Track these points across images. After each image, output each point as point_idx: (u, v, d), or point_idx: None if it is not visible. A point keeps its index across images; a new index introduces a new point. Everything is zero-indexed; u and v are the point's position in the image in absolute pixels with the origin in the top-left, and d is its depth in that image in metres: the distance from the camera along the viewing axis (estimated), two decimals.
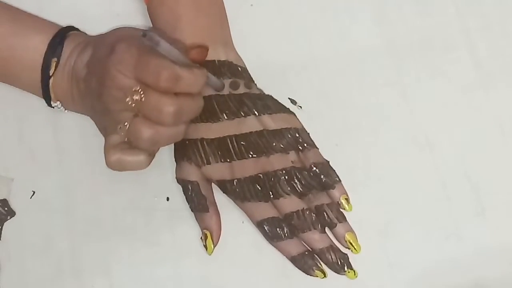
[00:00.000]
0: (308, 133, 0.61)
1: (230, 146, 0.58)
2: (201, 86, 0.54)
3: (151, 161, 0.57)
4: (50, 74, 0.58)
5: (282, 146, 0.58)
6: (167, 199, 0.60)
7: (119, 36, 0.55)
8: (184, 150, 0.59)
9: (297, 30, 0.65)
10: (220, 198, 0.59)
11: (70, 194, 0.61)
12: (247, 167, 0.58)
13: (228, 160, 0.58)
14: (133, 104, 0.53)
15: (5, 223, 0.60)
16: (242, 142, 0.58)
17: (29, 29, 0.59)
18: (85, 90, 0.57)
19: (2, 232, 0.59)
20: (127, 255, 0.59)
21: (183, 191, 0.59)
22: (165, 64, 0.51)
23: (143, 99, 0.53)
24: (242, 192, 0.57)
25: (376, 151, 0.62)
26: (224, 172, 0.58)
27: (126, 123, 0.54)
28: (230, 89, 0.59)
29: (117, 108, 0.54)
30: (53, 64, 0.58)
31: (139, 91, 0.53)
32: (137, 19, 0.65)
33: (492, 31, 0.65)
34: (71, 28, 0.60)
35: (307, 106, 0.63)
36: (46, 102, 0.60)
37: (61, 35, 0.59)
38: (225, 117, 0.58)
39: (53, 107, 0.60)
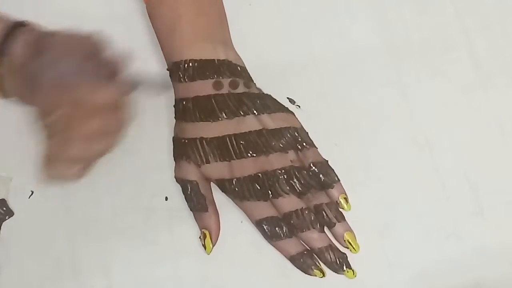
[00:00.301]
0: (307, 133, 0.61)
1: (229, 145, 0.58)
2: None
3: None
4: None
5: (281, 145, 0.58)
6: (166, 198, 0.60)
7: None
8: (183, 150, 0.59)
9: (296, 30, 0.65)
10: (219, 198, 0.59)
11: (69, 194, 0.61)
12: (246, 166, 0.58)
13: (227, 159, 0.58)
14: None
15: (3, 223, 0.60)
16: (241, 141, 0.58)
17: None
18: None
19: (1, 232, 0.60)
20: (126, 255, 0.59)
21: (182, 190, 0.59)
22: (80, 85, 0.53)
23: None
24: (241, 191, 0.57)
25: (375, 151, 0.62)
26: (223, 171, 0.58)
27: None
28: (229, 88, 0.59)
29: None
30: None
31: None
32: (137, 19, 0.65)
33: (492, 31, 0.65)
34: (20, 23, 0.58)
35: (306, 105, 0.63)
36: None
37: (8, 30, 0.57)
38: (224, 116, 0.58)
39: None
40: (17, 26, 0.58)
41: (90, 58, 0.56)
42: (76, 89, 0.53)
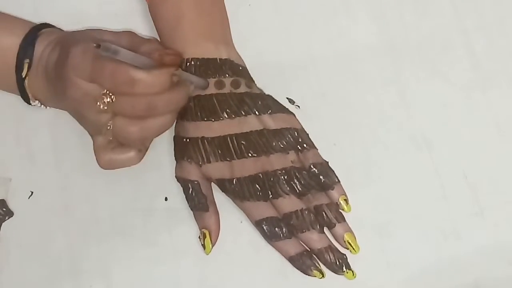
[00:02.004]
0: (307, 134, 0.61)
1: (231, 145, 0.58)
2: (163, 85, 0.54)
3: (143, 156, 0.59)
4: (23, 76, 0.58)
5: (282, 146, 0.59)
6: (165, 199, 0.60)
7: (77, 40, 0.55)
8: (185, 149, 0.59)
9: (295, 30, 0.65)
10: (218, 198, 0.59)
11: (68, 194, 0.61)
12: (247, 166, 0.58)
13: (228, 159, 0.58)
14: (106, 107, 0.54)
15: (3, 224, 0.60)
16: (242, 141, 0.58)
17: (1, 30, 0.59)
18: (56, 92, 0.57)
19: (0, 232, 0.59)
20: (125, 255, 0.59)
21: (183, 190, 0.59)
22: (119, 68, 0.52)
23: (114, 100, 0.53)
24: (241, 191, 0.57)
25: (374, 151, 0.62)
26: (224, 171, 0.58)
27: (108, 126, 0.55)
28: (231, 88, 0.59)
29: (91, 113, 0.55)
30: (26, 66, 0.58)
31: (108, 93, 0.53)
32: (136, 18, 0.65)
33: (490, 31, 0.65)
34: (44, 26, 0.60)
35: (305, 105, 0.63)
36: (25, 101, 0.60)
37: (33, 35, 0.58)
38: (226, 116, 0.58)
39: (33, 105, 0.60)
40: (42, 27, 0.59)
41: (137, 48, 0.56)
42: (113, 76, 0.53)
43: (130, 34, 0.57)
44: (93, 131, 0.57)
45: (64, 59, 0.54)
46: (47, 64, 0.57)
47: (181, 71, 0.56)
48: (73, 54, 0.53)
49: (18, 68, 0.58)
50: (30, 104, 0.60)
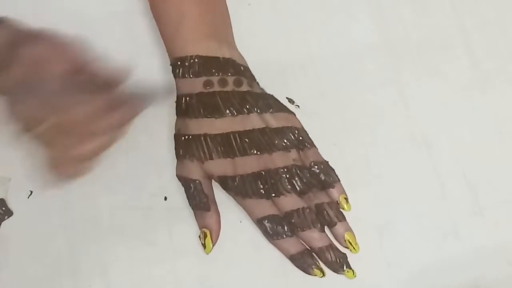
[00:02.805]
0: (308, 133, 0.61)
1: (234, 143, 0.58)
2: (105, 106, 0.53)
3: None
4: None
5: (283, 144, 0.59)
6: (165, 198, 0.60)
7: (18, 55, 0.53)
8: (186, 147, 0.59)
9: (295, 29, 0.65)
10: (218, 197, 0.59)
11: (68, 193, 0.60)
12: (250, 163, 0.58)
13: (231, 156, 0.58)
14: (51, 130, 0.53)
15: (2, 223, 0.60)
16: (245, 139, 0.58)
17: None
18: None
19: (0, 231, 0.59)
20: (124, 254, 0.59)
21: (184, 189, 0.59)
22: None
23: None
24: (243, 188, 0.57)
25: (374, 151, 0.62)
26: (226, 168, 0.58)
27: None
28: (234, 86, 0.59)
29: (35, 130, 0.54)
30: None
31: None
32: (137, 17, 0.65)
33: (490, 30, 0.65)
34: None
35: (305, 105, 0.63)
36: None
37: None
38: (229, 113, 0.58)
39: None
40: None
41: (77, 71, 0.54)
42: (62, 111, 0.52)
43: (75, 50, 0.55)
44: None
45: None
46: None
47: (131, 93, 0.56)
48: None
49: None
50: None
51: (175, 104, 0.61)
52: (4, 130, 0.61)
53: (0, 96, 0.55)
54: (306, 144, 0.60)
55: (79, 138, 0.54)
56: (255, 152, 0.58)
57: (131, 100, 0.56)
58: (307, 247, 0.58)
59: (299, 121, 0.61)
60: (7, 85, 0.53)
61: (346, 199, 0.59)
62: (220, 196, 0.59)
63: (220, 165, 0.58)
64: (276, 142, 0.58)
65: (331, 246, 0.58)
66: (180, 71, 0.59)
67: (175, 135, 0.60)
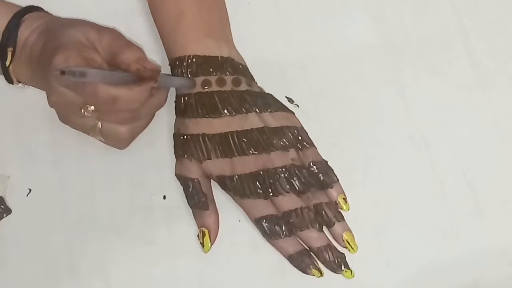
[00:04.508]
0: (307, 133, 0.61)
1: (232, 142, 0.58)
2: (143, 99, 0.55)
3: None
4: (7, 64, 0.57)
5: (282, 143, 0.59)
6: (164, 197, 0.60)
7: (60, 44, 0.54)
8: (185, 146, 0.59)
9: (294, 29, 0.65)
10: (216, 196, 0.59)
11: (67, 192, 0.60)
12: (248, 163, 0.58)
13: (229, 156, 0.58)
14: (90, 114, 0.54)
15: (1, 221, 0.60)
16: (243, 139, 0.58)
17: None
18: (40, 83, 0.57)
19: None
20: (123, 253, 0.59)
21: (183, 188, 0.59)
22: (99, 87, 0.52)
23: (98, 109, 0.54)
24: (242, 188, 0.57)
25: (373, 150, 0.62)
26: (224, 168, 0.58)
27: (96, 128, 0.56)
28: (232, 86, 0.59)
29: (76, 117, 0.56)
30: (9, 54, 0.57)
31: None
32: (136, 16, 0.65)
33: (489, 30, 0.65)
34: (28, 9, 0.59)
35: (305, 105, 0.63)
36: (8, 82, 0.59)
37: (16, 21, 0.57)
38: (227, 113, 0.58)
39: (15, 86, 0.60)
40: (26, 12, 0.58)
41: (110, 55, 0.56)
42: (96, 93, 0.53)
43: (113, 34, 0.56)
44: (77, 129, 0.58)
45: (47, 64, 0.53)
46: (30, 54, 0.56)
47: (161, 79, 0.56)
48: (55, 63, 0.53)
49: (2, 56, 0.57)
50: (12, 84, 0.59)
51: (174, 104, 0.61)
52: (3, 127, 0.62)
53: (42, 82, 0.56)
54: (305, 143, 0.60)
55: (118, 121, 0.56)
56: (253, 151, 0.58)
57: (163, 87, 0.58)
58: (306, 247, 0.58)
59: (298, 121, 0.61)
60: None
61: (345, 199, 0.59)
62: (219, 195, 0.59)
63: (219, 165, 0.58)
64: (275, 141, 0.58)
65: (329, 246, 0.58)
66: (178, 71, 0.59)
67: (174, 134, 0.60)
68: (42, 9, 0.60)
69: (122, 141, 0.59)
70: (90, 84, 0.52)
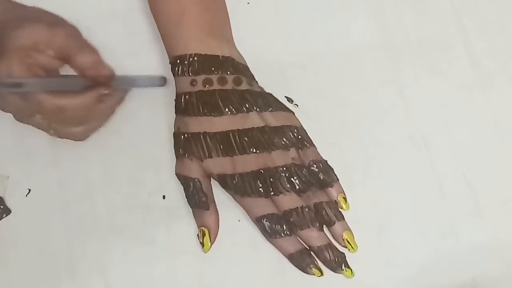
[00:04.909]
0: (307, 132, 0.61)
1: (233, 141, 0.58)
2: (91, 106, 0.55)
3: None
4: None
5: (283, 143, 0.59)
6: (163, 197, 0.60)
7: (4, 50, 0.54)
8: (185, 145, 0.59)
9: (294, 29, 0.65)
10: (217, 196, 0.59)
11: (66, 192, 0.60)
12: (249, 162, 0.58)
13: (230, 155, 0.58)
14: (41, 120, 0.55)
15: (0, 221, 0.59)
16: (244, 137, 0.58)
17: None
18: None
19: None
20: (123, 253, 0.59)
21: (183, 187, 0.59)
22: (42, 99, 0.53)
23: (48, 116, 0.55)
24: (242, 187, 0.57)
25: (373, 150, 0.62)
26: (225, 167, 0.58)
27: (51, 130, 0.57)
28: (233, 85, 0.59)
29: (30, 121, 0.56)
30: None
31: None
32: (136, 15, 0.65)
33: (490, 30, 0.65)
34: None
35: (304, 104, 0.63)
36: None
37: None
38: (228, 112, 0.58)
39: None
40: None
41: (63, 56, 0.56)
42: (41, 104, 0.53)
43: (66, 34, 0.56)
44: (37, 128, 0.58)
45: None
46: None
47: (118, 81, 0.57)
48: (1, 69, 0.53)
49: None
50: None
51: (174, 102, 0.61)
52: (2, 127, 0.61)
53: None
54: (305, 143, 0.60)
55: (70, 125, 0.57)
56: (254, 150, 0.58)
57: (117, 89, 0.58)
58: (306, 246, 0.58)
59: (298, 120, 0.61)
60: None
61: (345, 198, 0.59)
62: (219, 195, 0.59)
63: (219, 164, 0.58)
64: (275, 140, 0.58)
65: (329, 245, 0.58)
66: (180, 70, 0.59)
67: (174, 133, 0.60)
68: None
69: (79, 138, 0.59)
70: (33, 95, 0.52)
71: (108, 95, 0.56)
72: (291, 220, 0.57)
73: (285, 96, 0.63)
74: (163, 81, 0.60)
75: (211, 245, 0.58)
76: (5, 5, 0.58)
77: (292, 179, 0.58)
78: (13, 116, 0.58)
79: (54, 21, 0.57)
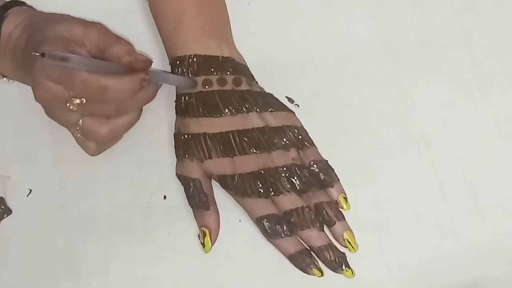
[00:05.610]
0: (307, 132, 0.61)
1: (233, 141, 0.58)
2: (133, 90, 0.55)
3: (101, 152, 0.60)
4: None
5: (283, 143, 0.59)
6: (164, 197, 0.60)
7: (45, 38, 0.54)
8: (186, 146, 0.59)
9: (294, 29, 0.65)
10: (217, 196, 0.59)
11: (67, 192, 0.60)
12: (249, 162, 0.58)
13: (230, 156, 0.58)
14: (75, 108, 0.54)
15: (1, 221, 0.60)
16: (244, 138, 0.58)
17: None
18: (25, 78, 0.57)
19: None
20: (124, 253, 0.59)
21: (184, 188, 0.59)
22: (89, 77, 0.52)
23: (84, 102, 0.54)
24: (243, 187, 0.57)
25: (373, 150, 0.62)
26: (225, 167, 0.58)
27: (78, 126, 0.56)
28: (233, 85, 0.59)
29: (61, 112, 0.56)
30: None
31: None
32: (136, 16, 0.65)
33: (489, 30, 0.65)
34: (12, 3, 0.59)
35: (304, 104, 0.63)
36: None
37: (0, 15, 0.57)
38: (228, 113, 0.58)
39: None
40: (9, 7, 0.58)
41: (98, 50, 0.56)
42: (85, 81, 0.53)
43: (100, 29, 0.56)
44: (62, 124, 0.58)
45: (32, 58, 0.53)
46: (14, 49, 0.57)
47: (155, 74, 0.57)
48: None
49: None
50: None
51: (174, 103, 0.61)
52: (3, 127, 0.62)
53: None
54: (306, 143, 0.60)
55: (111, 114, 0.57)
56: (254, 151, 0.58)
57: (153, 80, 0.57)
58: (306, 246, 0.58)
59: (299, 120, 0.61)
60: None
61: (345, 198, 0.59)
62: (220, 195, 0.59)
63: (220, 164, 0.58)
64: (276, 141, 0.58)
65: (330, 245, 0.58)
66: (179, 71, 0.59)
67: (174, 134, 0.60)
68: (25, 3, 0.60)
69: (99, 142, 0.58)
70: (79, 74, 0.52)
71: (148, 81, 0.56)
72: (292, 220, 0.57)
73: (286, 96, 0.63)
74: (193, 83, 0.59)
75: (212, 245, 0.58)
76: (30, 12, 0.59)
77: (292, 179, 0.58)
78: (44, 110, 0.57)
79: (85, 21, 0.57)
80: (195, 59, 0.59)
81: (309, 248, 0.58)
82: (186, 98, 0.59)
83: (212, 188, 0.59)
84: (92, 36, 0.56)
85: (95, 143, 0.58)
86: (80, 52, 0.54)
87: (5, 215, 0.60)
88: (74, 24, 0.56)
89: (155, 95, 0.60)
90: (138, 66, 0.55)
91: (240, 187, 0.57)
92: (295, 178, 0.58)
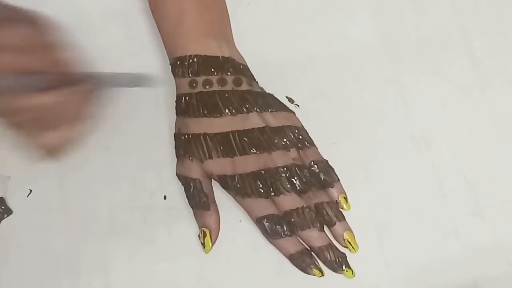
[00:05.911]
0: (307, 132, 0.61)
1: (233, 142, 0.58)
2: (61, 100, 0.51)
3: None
4: None
5: (283, 143, 0.59)
6: (164, 197, 0.60)
7: None
8: (186, 146, 0.59)
9: (294, 29, 0.65)
10: (217, 196, 0.59)
11: (67, 192, 0.60)
12: (249, 162, 0.58)
13: (230, 156, 0.58)
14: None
15: (2, 222, 0.60)
16: (244, 138, 0.58)
17: None
18: None
19: None
20: (124, 254, 0.59)
21: (184, 188, 0.59)
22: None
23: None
24: (243, 187, 0.57)
25: (373, 150, 0.62)
26: (225, 167, 0.58)
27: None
28: (233, 85, 0.59)
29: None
30: None
31: None
32: (136, 15, 0.65)
33: (489, 30, 0.65)
34: None
35: (305, 104, 0.63)
36: None
37: None
38: (228, 113, 0.58)
39: None
40: None
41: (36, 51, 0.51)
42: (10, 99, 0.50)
43: (28, 30, 0.52)
44: None
45: None
46: None
47: (93, 81, 0.53)
48: None
49: None
50: None
51: (175, 103, 0.61)
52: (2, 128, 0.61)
53: None
54: (306, 143, 0.60)
55: (43, 128, 0.53)
56: (254, 151, 0.58)
57: (92, 90, 0.54)
58: (307, 246, 0.58)
59: (299, 120, 0.61)
60: None
61: (346, 198, 0.59)
62: (220, 195, 0.59)
63: (220, 164, 0.58)
64: (276, 141, 0.58)
65: (330, 246, 0.58)
66: (180, 71, 0.59)
67: (175, 134, 0.60)
68: None
69: (53, 149, 0.55)
70: None
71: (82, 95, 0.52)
72: (292, 220, 0.57)
73: (286, 97, 0.63)
74: (143, 81, 0.55)
75: (212, 245, 0.58)
76: None
77: (292, 179, 0.58)
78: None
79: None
80: (195, 59, 0.59)
81: (309, 248, 0.58)
82: (187, 98, 0.59)
83: (212, 188, 0.59)
84: (17, 37, 0.50)
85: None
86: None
87: (5, 215, 0.60)
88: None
89: (97, 101, 0.55)
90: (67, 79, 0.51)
91: (241, 187, 0.57)
92: (296, 178, 0.58)
